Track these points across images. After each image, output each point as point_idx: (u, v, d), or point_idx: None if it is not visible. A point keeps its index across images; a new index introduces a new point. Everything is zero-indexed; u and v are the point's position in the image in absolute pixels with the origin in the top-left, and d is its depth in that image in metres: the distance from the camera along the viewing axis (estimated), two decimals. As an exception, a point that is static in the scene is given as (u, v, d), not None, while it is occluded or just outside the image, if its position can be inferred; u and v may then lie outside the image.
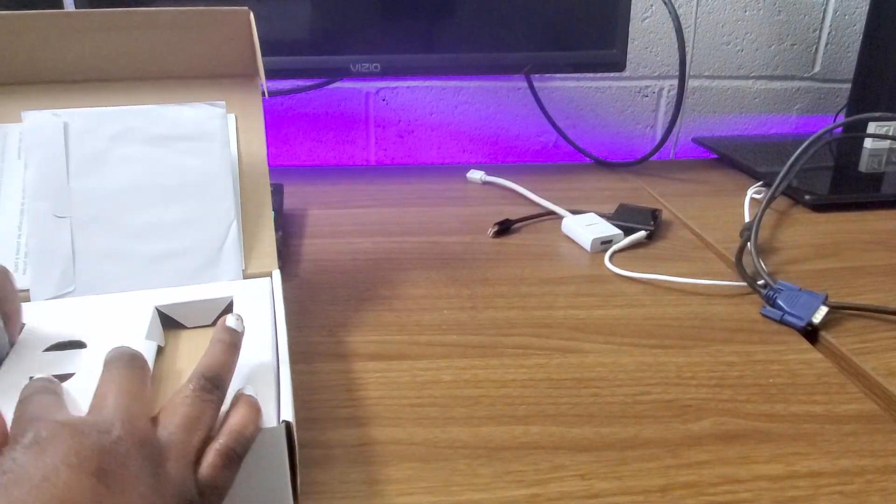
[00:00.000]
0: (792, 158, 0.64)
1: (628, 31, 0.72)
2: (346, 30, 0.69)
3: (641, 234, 0.61)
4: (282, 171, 0.81)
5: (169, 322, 0.39)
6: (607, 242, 0.59)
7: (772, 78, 0.93)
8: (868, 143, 0.84)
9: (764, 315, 0.49)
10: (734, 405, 0.39)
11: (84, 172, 0.41)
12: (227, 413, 0.30)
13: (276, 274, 0.42)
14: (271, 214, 0.44)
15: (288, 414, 0.30)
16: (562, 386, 0.40)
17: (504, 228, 0.62)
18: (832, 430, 0.37)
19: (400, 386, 0.40)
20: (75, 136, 0.41)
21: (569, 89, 0.89)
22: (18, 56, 0.42)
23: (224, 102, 0.44)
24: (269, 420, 0.30)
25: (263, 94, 0.45)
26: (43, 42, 0.42)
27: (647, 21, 0.87)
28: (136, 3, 0.65)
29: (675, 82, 0.90)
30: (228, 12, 0.43)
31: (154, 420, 0.28)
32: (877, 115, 0.80)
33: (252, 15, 0.43)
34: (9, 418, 0.26)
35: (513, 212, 0.66)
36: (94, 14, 0.42)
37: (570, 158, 0.91)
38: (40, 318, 0.37)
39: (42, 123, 0.41)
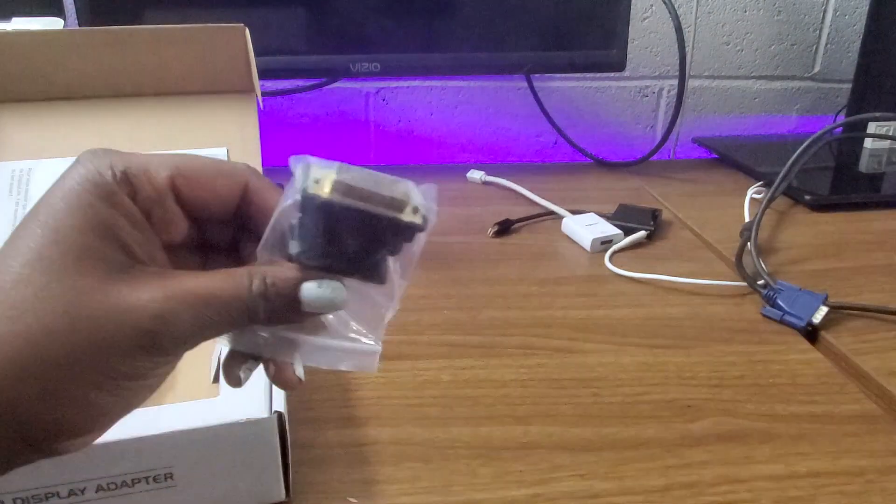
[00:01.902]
0: (792, 158, 0.64)
1: (628, 31, 0.72)
2: (346, 30, 0.69)
3: (641, 234, 0.61)
4: (282, 171, 0.81)
5: None
6: (607, 242, 0.59)
7: (772, 78, 0.93)
8: (868, 143, 0.84)
9: (764, 315, 0.49)
10: (734, 405, 0.39)
11: None
12: None
13: None
14: None
15: (280, 405, 0.30)
16: (562, 386, 0.40)
17: (504, 228, 0.62)
18: (832, 430, 0.37)
19: (400, 386, 0.40)
20: None
21: (569, 89, 0.89)
22: (20, 73, 0.43)
23: (226, 150, 0.45)
24: (260, 411, 0.30)
25: (259, 107, 0.46)
26: (43, 60, 0.43)
27: (647, 21, 0.87)
28: (135, 14, 0.65)
29: (675, 82, 0.90)
30: (224, 29, 0.44)
31: None
32: (877, 115, 0.80)
33: (248, 31, 0.44)
34: None
35: (513, 212, 0.66)
36: (95, 32, 0.43)
37: (570, 158, 0.91)
38: None
39: (55, 165, 0.43)
